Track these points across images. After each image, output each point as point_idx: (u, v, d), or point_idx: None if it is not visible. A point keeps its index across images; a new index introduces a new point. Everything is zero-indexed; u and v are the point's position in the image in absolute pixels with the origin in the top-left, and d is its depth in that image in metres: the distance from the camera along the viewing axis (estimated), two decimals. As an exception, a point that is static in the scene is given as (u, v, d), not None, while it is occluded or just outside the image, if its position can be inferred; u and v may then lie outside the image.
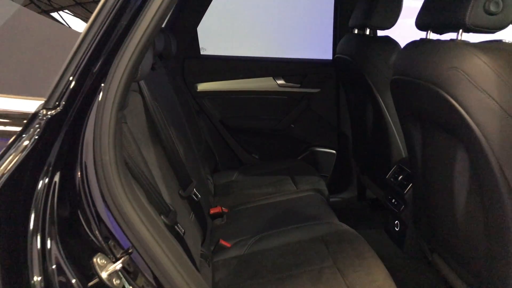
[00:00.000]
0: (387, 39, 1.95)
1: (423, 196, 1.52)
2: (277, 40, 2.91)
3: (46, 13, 0.86)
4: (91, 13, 0.81)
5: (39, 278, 0.73)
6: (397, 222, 1.84)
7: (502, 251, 1.11)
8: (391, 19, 1.90)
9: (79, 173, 0.81)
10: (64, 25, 0.85)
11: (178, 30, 2.38)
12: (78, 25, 0.82)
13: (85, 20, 0.82)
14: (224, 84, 2.55)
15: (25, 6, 0.85)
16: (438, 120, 1.23)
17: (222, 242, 1.62)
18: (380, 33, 2.12)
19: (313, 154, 2.63)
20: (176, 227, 1.17)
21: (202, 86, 2.53)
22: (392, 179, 1.87)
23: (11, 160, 0.69)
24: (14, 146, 0.70)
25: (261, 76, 2.55)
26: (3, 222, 0.67)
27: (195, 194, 1.55)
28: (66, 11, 0.86)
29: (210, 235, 1.72)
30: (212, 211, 1.85)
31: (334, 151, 2.62)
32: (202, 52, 2.58)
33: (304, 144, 2.65)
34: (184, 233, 1.20)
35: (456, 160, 1.22)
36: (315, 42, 2.80)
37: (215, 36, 2.73)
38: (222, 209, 1.87)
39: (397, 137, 1.89)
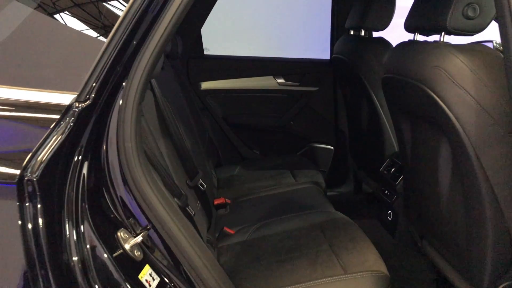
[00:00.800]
0: (381, 40, 2.07)
1: (413, 186, 1.65)
2: (277, 40, 3.03)
3: (52, 15, 0.98)
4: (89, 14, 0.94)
5: (76, 258, 0.85)
6: (389, 212, 1.97)
7: (479, 231, 1.23)
8: (384, 21, 2.02)
9: (104, 156, 0.93)
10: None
11: (183, 31, 2.49)
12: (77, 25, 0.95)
13: (84, 21, 0.95)
14: (226, 83, 2.66)
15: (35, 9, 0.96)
16: (424, 115, 1.36)
17: (226, 229, 1.73)
18: (375, 34, 2.24)
19: (311, 150, 2.75)
20: (187, 209, 1.29)
21: (205, 85, 2.64)
22: (385, 172, 2.00)
23: (55, 140, 0.81)
24: (55, 130, 0.82)
25: (262, 75, 2.66)
26: (47, 193, 0.79)
27: (201, 184, 1.67)
28: (67, 12, 0.98)
29: (214, 224, 1.84)
30: (216, 202, 1.96)
31: (331, 147, 2.73)
32: (205, 52, 2.69)
33: (303, 140, 2.76)
34: (194, 214, 1.32)
35: (440, 151, 1.35)
36: (313, 42, 2.92)
37: (218, 37, 2.85)
38: (225, 200, 1.99)
39: (390, 132, 2.00)
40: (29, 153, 0.80)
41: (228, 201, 2.00)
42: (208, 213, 1.73)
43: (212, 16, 2.53)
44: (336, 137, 2.72)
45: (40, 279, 0.78)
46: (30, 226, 0.78)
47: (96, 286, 0.85)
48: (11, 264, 0.78)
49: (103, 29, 0.98)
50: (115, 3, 1.02)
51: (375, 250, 1.44)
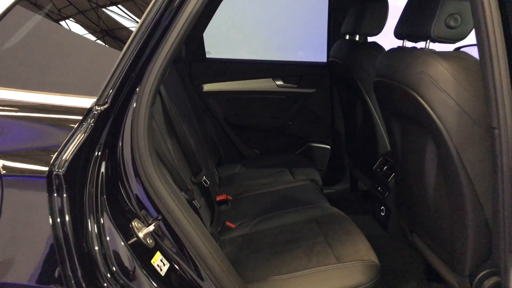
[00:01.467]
0: (374, 44, 2.18)
1: (403, 182, 1.76)
2: (277, 44, 3.14)
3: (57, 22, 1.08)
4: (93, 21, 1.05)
5: (97, 244, 0.96)
6: (382, 208, 2.07)
7: (461, 223, 1.34)
8: (377, 27, 2.13)
9: (120, 153, 1.04)
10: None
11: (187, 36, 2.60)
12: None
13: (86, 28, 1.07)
14: (227, 85, 2.76)
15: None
16: (411, 116, 1.47)
17: (228, 223, 1.84)
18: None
19: (309, 149, 2.85)
20: (193, 202, 1.40)
21: (207, 87, 2.74)
22: (378, 170, 2.10)
23: (78, 139, 0.92)
24: (78, 130, 0.93)
25: (261, 77, 2.76)
26: (72, 186, 0.90)
27: (204, 181, 1.78)
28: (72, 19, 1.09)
29: (217, 218, 1.95)
30: (218, 198, 2.07)
31: (328, 146, 2.84)
32: (207, 56, 2.79)
33: (301, 139, 2.86)
34: (199, 207, 1.43)
35: (426, 149, 1.45)
36: (311, 46, 3.03)
37: (220, 41, 2.95)
38: (227, 196, 2.09)
39: (383, 132, 2.11)
40: (56, 150, 0.91)
41: (229, 197, 2.10)
42: (211, 208, 1.84)
43: (214, 21, 2.63)
44: (333, 136, 2.83)
45: (67, 261, 0.89)
46: (57, 215, 0.89)
47: (114, 268, 0.96)
48: (42, 248, 0.89)
49: (114, 38, 1.09)
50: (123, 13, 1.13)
51: (366, 242, 1.55)
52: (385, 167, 2.04)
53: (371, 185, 2.20)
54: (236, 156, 2.85)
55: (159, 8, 1.02)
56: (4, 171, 0.88)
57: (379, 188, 2.07)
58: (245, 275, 1.43)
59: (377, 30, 2.15)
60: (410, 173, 1.64)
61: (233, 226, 1.83)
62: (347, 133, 2.66)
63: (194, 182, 1.71)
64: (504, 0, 1.04)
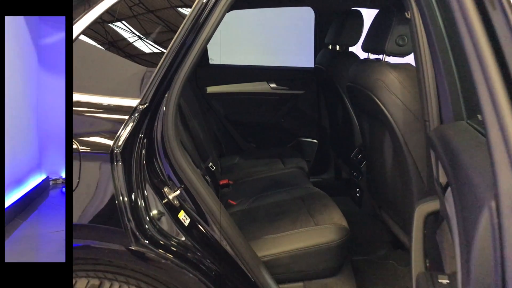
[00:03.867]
0: (352, 54, 2.60)
1: (371, 167, 2.18)
2: (271, 52, 3.55)
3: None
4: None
5: (142, 205, 1.36)
6: (357, 190, 2.49)
7: (409, 195, 1.75)
8: (354, 39, 2.55)
9: (155, 137, 1.45)
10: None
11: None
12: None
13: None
14: (228, 87, 3.17)
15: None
16: (372, 113, 1.88)
17: (230, 201, 2.25)
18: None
19: (299, 143, 3.26)
20: (205, 177, 1.81)
21: (211, 89, 3.15)
22: (354, 158, 2.52)
23: (130, 127, 1.33)
24: (129, 121, 1.33)
25: (257, 81, 3.17)
26: (125, 161, 1.31)
27: (211, 166, 2.19)
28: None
29: (220, 198, 2.36)
30: (221, 183, 2.47)
31: (315, 141, 3.25)
32: (210, 62, 3.18)
33: (292, 135, 3.27)
34: (209, 182, 1.84)
35: (384, 140, 1.87)
36: (300, 53, 3.45)
37: (221, 49, 3.36)
38: (228, 181, 2.50)
39: (358, 128, 2.52)
40: (115, 135, 1.32)
41: (230, 182, 2.51)
42: (216, 189, 2.25)
43: (217, 32, 3.02)
44: (319, 132, 3.24)
45: (124, 212, 1.30)
46: (117, 180, 1.30)
47: (151, 214, 1.37)
48: (106, 202, 1.30)
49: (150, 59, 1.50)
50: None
51: (340, 212, 1.95)
52: (359, 156, 2.46)
53: (349, 172, 2.61)
54: (236, 149, 3.25)
55: (184, 34, 1.42)
56: (82, 150, 1.29)
57: (355, 173, 2.49)
58: (244, 236, 1.83)
59: (354, 41, 2.56)
60: (375, 159, 2.06)
61: (234, 203, 2.24)
62: (331, 129, 3.07)
63: (203, 167, 2.12)
64: (428, 29, 1.44)
